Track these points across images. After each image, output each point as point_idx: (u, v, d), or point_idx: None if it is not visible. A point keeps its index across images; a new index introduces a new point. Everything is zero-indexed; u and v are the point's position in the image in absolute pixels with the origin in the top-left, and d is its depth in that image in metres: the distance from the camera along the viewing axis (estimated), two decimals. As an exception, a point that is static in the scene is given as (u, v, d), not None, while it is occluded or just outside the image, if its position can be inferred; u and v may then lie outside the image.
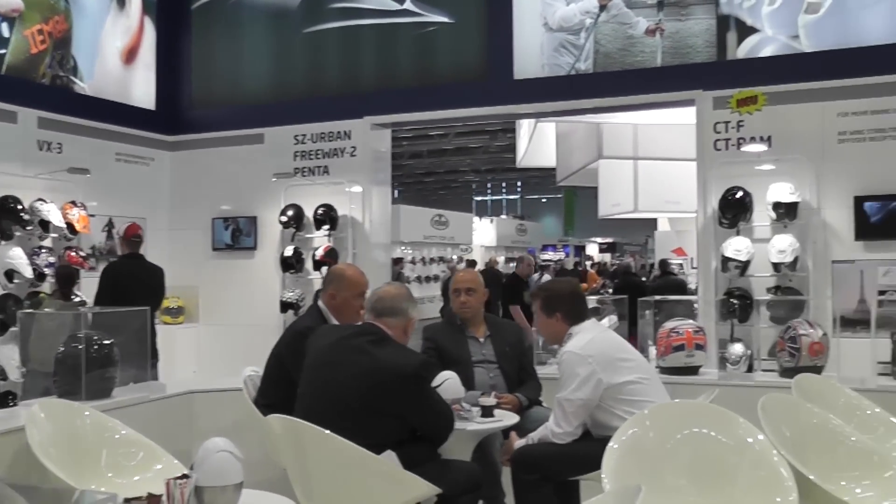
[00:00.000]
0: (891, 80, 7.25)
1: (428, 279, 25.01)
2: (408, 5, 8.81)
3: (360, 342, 4.19)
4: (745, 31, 7.72)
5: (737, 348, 6.59)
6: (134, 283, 7.90)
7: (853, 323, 6.94)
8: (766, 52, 7.69)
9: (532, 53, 8.38)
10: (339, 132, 9.05)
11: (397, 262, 20.98)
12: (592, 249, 35.51)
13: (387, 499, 3.85)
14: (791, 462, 3.68)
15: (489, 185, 44.29)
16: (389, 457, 3.84)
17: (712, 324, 7.34)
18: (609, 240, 34.76)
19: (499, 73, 8.49)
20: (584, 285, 18.92)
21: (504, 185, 44.06)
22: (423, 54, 8.89)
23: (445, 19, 8.75)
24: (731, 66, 7.77)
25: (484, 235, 30.82)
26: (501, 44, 8.48)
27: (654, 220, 19.54)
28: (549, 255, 31.35)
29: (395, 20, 8.91)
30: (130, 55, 9.60)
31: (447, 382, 4.70)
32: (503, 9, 8.48)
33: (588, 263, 30.40)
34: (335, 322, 5.02)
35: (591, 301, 15.43)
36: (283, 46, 9.50)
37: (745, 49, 7.73)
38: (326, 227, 8.83)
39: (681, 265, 15.94)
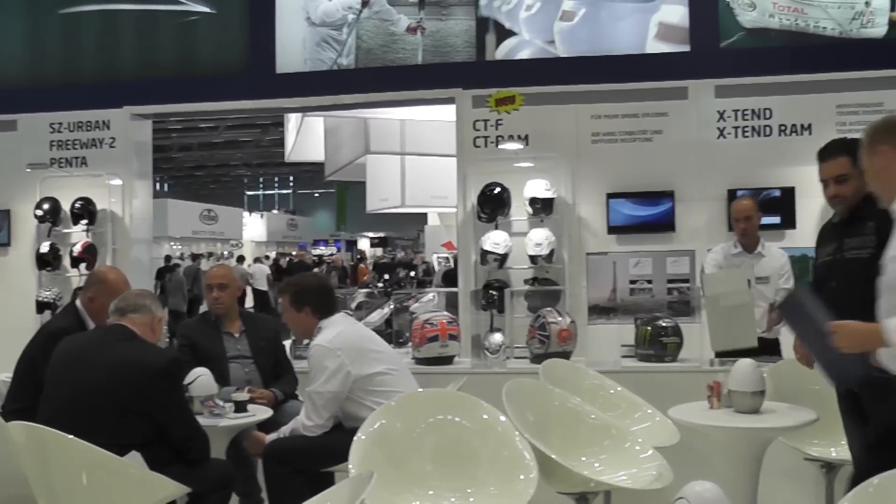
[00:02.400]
0: (639, 87, 7.73)
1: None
2: (168, -8, 8.58)
3: (108, 340, 4.10)
4: (504, 33, 8.00)
5: (496, 338, 6.82)
6: None
7: (606, 311, 7.39)
8: (524, 54, 8.00)
9: (294, 48, 8.33)
10: (97, 122, 8.68)
11: (167, 261, 20.33)
12: (364, 244, 35.69)
13: (132, 501, 3.74)
14: (532, 442, 3.87)
15: (261, 180, 43.74)
16: (134, 458, 3.74)
17: (471, 315, 7.58)
18: (381, 234, 35.04)
19: (261, 67, 8.38)
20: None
21: (276, 179, 43.65)
22: (184, 44, 8.65)
23: (207, 9, 8.55)
24: (490, 66, 8.03)
25: (254, 230, 30.45)
26: (263, 37, 8.37)
27: (425, 215, 19.83)
28: (320, 251, 31.32)
29: (155, 7, 8.63)
30: None
31: (199, 379, 4.66)
32: (265, 1, 8.38)
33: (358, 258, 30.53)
34: (92, 325, 4.86)
35: (361, 294, 15.52)
36: (38, 27, 8.97)
37: (503, 51, 8.01)
38: (85, 221, 8.38)
39: (447, 259, 16.26)
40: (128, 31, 8.74)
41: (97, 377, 3.90)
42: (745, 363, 4.27)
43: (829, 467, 4.66)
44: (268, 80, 8.40)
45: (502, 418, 4.01)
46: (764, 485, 4.29)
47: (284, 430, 4.68)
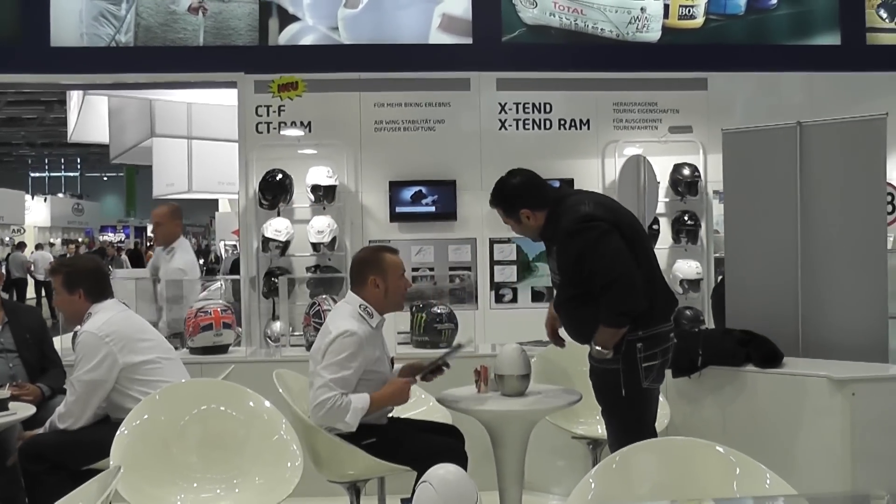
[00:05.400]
0: (422, 77, 7.87)
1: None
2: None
3: None
4: (287, 18, 7.92)
5: (276, 326, 6.80)
6: None
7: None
8: (307, 40, 7.96)
9: (70, 20, 7.88)
10: None
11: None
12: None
13: None
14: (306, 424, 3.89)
15: (46, 161, 41.80)
16: None
17: (253, 303, 7.51)
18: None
19: (34, 38, 7.86)
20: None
21: (63, 161, 41.82)
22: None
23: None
24: (272, 51, 7.94)
25: (37, 215, 29.09)
26: (37, 6, 7.86)
27: (217, 202, 19.44)
28: (108, 237, 30.30)
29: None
30: None
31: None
32: (37, -32, 7.89)
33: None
34: None
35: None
36: None
37: (286, 36, 7.93)
38: None
39: (234, 246, 16.03)
40: None
41: None
42: (512, 348, 4.42)
43: (595, 443, 4.90)
44: (42, 54, 7.88)
45: (268, 405, 4.01)
46: (534, 463, 4.52)
47: (46, 426, 4.50)
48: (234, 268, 12.55)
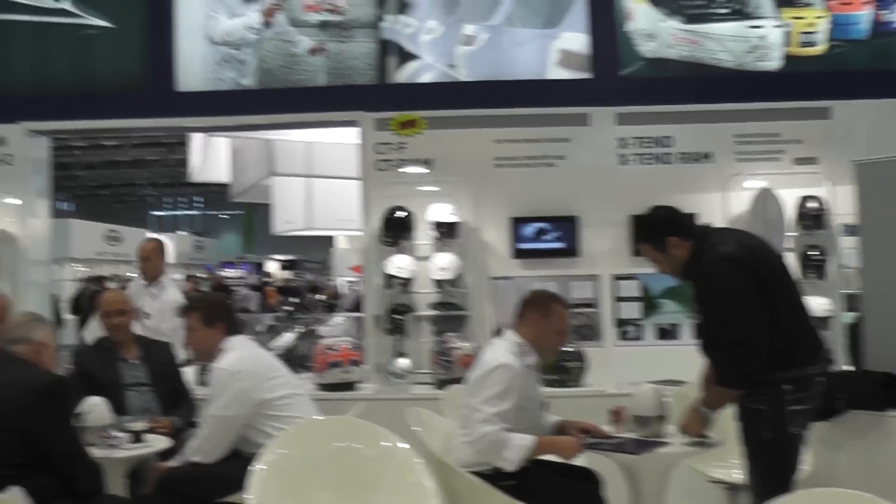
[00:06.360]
0: (541, 112, 7.80)
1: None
2: (65, 4, 8.32)
3: None
4: (405, 56, 8.01)
5: (401, 362, 6.83)
6: None
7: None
8: (426, 78, 8.02)
9: (195, 66, 8.18)
10: (-8, 137, 8.38)
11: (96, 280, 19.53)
12: (272, 266, 35.33)
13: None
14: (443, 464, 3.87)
15: (169, 200, 43.05)
16: (15, 494, 3.60)
17: (375, 339, 7.54)
18: (290, 257, 34.72)
19: (160, 84, 8.16)
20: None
21: (182, 200, 43.00)
22: (81, 59, 8.37)
23: (105, 23, 8.35)
24: (392, 89, 8.02)
25: (160, 252, 29.92)
26: (163, 53, 8.16)
27: (331, 238, 19.72)
28: (228, 273, 30.95)
29: (51, 19, 8.36)
30: None
31: (93, 409, 4.56)
32: (164, 17, 8.19)
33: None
34: None
35: (269, 318, 15.35)
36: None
37: (405, 74, 8.02)
38: (-21, 244, 8.15)
39: (354, 282, 16.17)
40: (23, 43, 8.44)
41: None
42: (648, 388, 4.36)
43: (733, 488, 4.77)
44: (167, 98, 8.19)
45: (403, 445, 4.00)
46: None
47: (180, 459, 4.59)
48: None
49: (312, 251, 30.96)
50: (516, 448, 3.97)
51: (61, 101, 8.31)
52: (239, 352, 4.66)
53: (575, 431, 4.37)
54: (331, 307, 16.34)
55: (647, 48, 7.97)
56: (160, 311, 7.13)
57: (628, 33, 7.93)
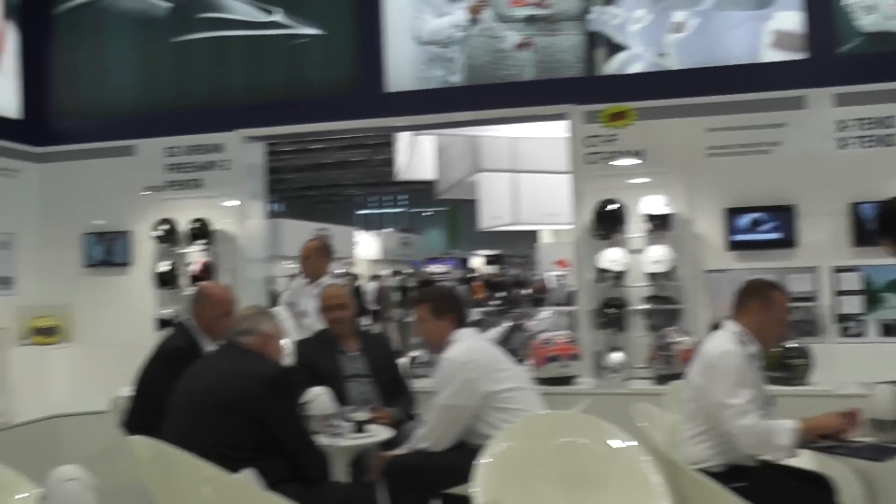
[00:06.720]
0: (755, 98, 7.52)
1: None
2: (277, 17, 8.72)
3: (220, 357, 4.28)
4: (614, 48, 7.91)
5: (615, 357, 6.74)
6: None
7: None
8: (635, 68, 7.89)
9: (403, 66, 8.37)
10: (211, 145, 8.87)
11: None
12: (476, 262, 35.64)
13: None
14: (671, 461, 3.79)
15: (374, 199, 44.19)
16: (248, 475, 3.76)
17: (589, 334, 7.48)
18: (495, 252, 34.92)
19: (370, 86, 8.43)
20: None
21: (387, 198, 44.02)
22: (293, 67, 8.76)
23: (315, 31, 8.67)
24: (601, 81, 7.94)
25: (368, 249, 30.73)
26: (372, 56, 8.42)
27: (535, 232, 19.72)
28: (434, 268, 31.42)
29: (264, 32, 8.77)
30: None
31: (317, 398, 4.70)
32: (373, 21, 8.43)
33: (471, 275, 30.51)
34: (203, 340, 4.99)
35: (477, 312, 15.46)
36: (151, 56, 9.20)
37: (613, 65, 7.91)
38: (201, 241, 8.60)
39: (561, 276, 16.10)
40: (238, 56, 8.90)
41: (209, 384, 4.06)
42: (886, 389, 4.10)
43: None
44: (376, 100, 8.45)
45: (630, 442, 3.94)
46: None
47: (409, 446, 4.69)
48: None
49: (516, 246, 31.07)
50: (784, 432, 3.81)
51: (274, 108, 8.74)
52: (468, 343, 4.74)
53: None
54: (537, 301, 16.29)
55: (867, 22, 7.53)
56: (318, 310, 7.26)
57: (846, 7, 7.52)
